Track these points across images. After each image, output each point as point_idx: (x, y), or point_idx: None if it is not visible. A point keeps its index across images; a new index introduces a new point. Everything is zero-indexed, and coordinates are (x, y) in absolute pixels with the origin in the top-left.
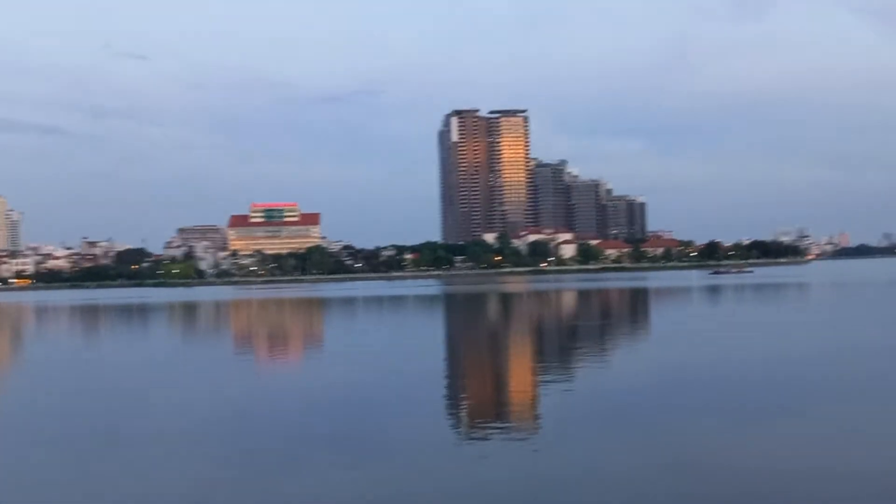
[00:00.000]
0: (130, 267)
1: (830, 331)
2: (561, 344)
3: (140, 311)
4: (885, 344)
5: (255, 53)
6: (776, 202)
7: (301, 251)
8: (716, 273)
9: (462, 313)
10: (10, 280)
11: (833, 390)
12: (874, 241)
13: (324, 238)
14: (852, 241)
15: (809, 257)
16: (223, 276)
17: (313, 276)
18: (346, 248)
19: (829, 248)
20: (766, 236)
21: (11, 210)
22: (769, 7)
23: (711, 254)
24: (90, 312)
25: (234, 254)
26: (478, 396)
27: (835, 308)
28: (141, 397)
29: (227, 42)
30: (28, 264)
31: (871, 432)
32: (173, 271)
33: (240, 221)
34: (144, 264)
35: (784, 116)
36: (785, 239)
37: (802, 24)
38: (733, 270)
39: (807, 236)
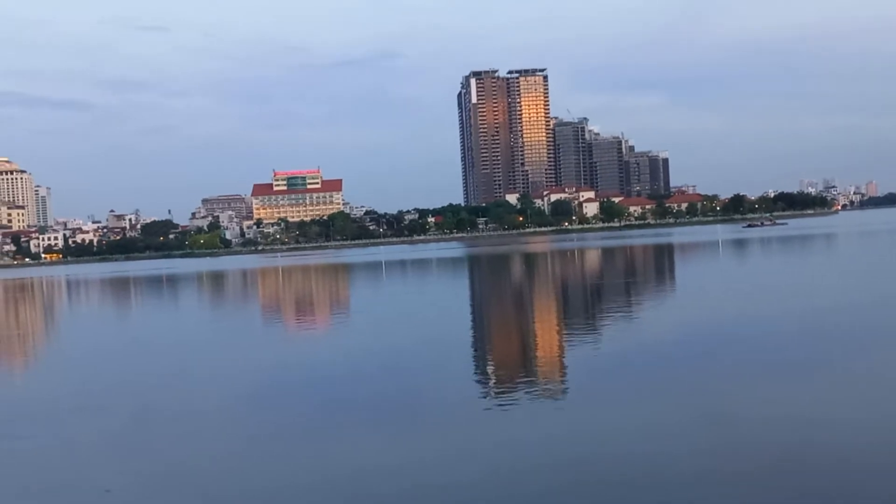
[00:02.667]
0: (157, 238)
1: (867, 280)
2: (586, 303)
3: (169, 282)
4: None
5: (274, 20)
6: (801, 153)
7: (324, 217)
8: (749, 226)
9: (486, 275)
10: (41, 255)
11: (873, 341)
12: None
13: (346, 204)
14: (880, 191)
15: (836, 208)
16: (248, 244)
17: (337, 242)
18: (368, 213)
19: (856, 198)
20: (791, 188)
21: (39, 186)
22: None
23: (737, 207)
24: (121, 285)
25: (259, 222)
26: (505, 357)
27: (870, 257)
28: (178, 370)
29: (246, 10)
30: (57, 239)
31: None
32: (199, 242)
33: (263, 190)
34: (171, 235)
35: (808, 64)
36: (811, 190)
37: None
38: (767, 223)
39: (833, 187)
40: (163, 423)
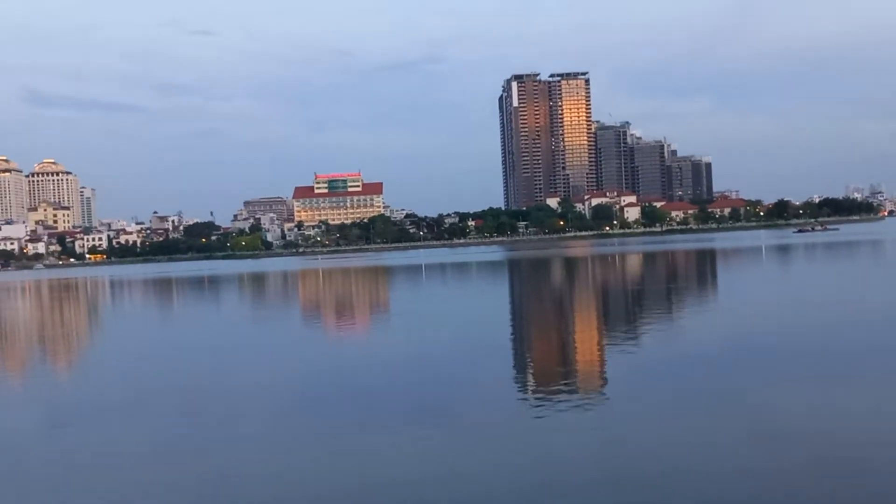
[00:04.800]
0: (200, 240)
1: None
2: (627, 308)
3: (211, 284)
4: None
5: (318, 24)
6: (847, 158)
7: (364, 220)
8: (800, 231)
9: (526, 279)
10: (86, 255)
11: None
12: None
13: (387, 207)
14: None
15: (883, 214)
16: (289, 246)
17: (377, 245)
18: (408, 216)
19: None
20: (836, 193)
21: (84, 187)
22: None
23: (781, 213)
24: (163, 285)
25: (300, 225)
26: (545, 364)
27: None
28: (220, 373)
29: (291, 14)
30: (102, 240)
31: None
32: (241, 243)
33: (304, 193)
34: (213, 237)
35: (852, 70)
36: (857, 196)
37: None
38: (818, 228)
39: (880, 192)
40: (203, 427)
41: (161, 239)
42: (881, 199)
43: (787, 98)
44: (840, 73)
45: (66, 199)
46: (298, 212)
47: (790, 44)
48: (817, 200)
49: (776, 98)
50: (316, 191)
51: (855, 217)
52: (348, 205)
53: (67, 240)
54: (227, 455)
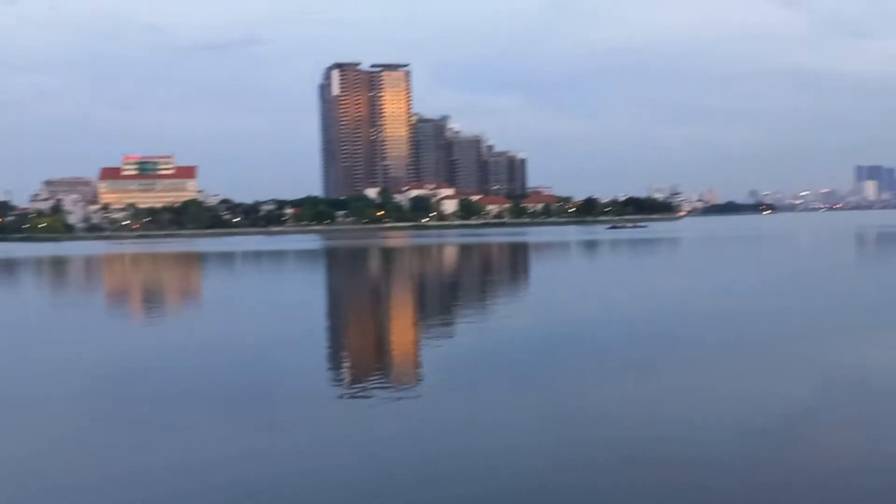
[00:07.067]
0: None
1: (714, 282)
2: (443, 299)
3: (6, 267)
4: (759, 301)
5: None
6: (650, 159)
7: (177, 205)
8: (613, 227)
9: (343, 268)
10: None
11: (716, 342)
12: (740, 198)
13: (201, 192)
14: (721, 198)
15: (681, 214)
16: (94, 230)
17: (189, 231)
18: (224, 202)
19: (699, 204)
20: (640, 192)
21: None
22: None
23: (589, 210)
24: None
25: (106, 207)
26: (361, 352)
27: (715, 261)
28: (15, 359)
29: None
30: None
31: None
32: (40, 225)
33: (111, 174)
34: (9, 218)
35: (656, 76)
36: (658, 195)
37: None
38: (629, 225)
39: (679, 193)
40: None
41: None
42: (679, 199)
43: (596, 100)
44: (645, 79)
45: None
46: (104, 194)
47: (601, 47)
48: (622, 199)
49: (586, 99)
50: (124, 172)
51: (656, 216)
52: (159, 188)
53: None
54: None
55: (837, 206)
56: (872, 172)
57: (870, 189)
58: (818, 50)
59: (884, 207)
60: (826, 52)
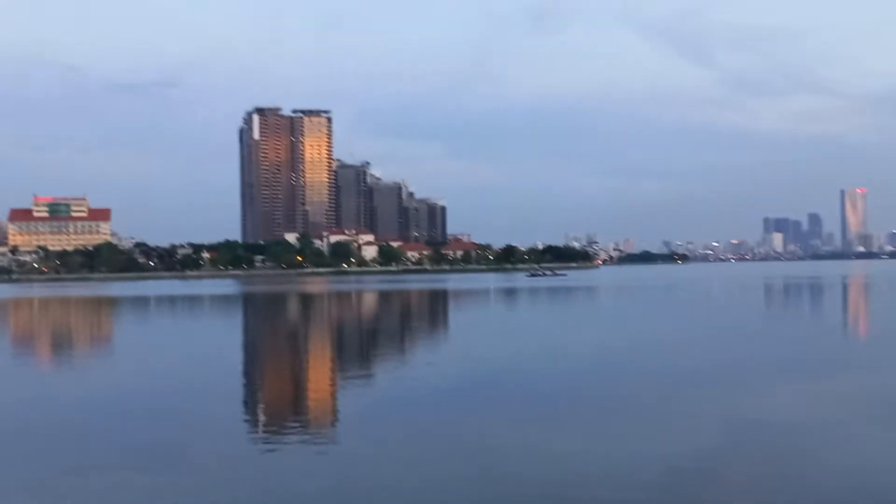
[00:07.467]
0: None
1: (630, 326)
2: (361, 345)
3: None
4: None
5: (43, 34)
6: (567, 207)
7: (89, 248)
8: (532, 275)
9: (260, 314)
10: None
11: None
12: (655, 248)
13: (115, 235)
14: (636, 248)
15: (598, 262)
16: (1, 273)
17: (102, 275)
18: (138, 245)
19: (615, 253)
20: (558, 241)
21: None
22: (565, 23)
23: (508, 257)
24: None
25: (15, 250)
26: (275, 401)
27: (624, 307)
28: None
29: (10, 21)
30: None
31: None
32: None
33: (21, 216)
34: None
35: (575, 126)
36: (576, 244)
37: (594, 41)
38: (548, 273)
39: (595, 242)
40: None
41: None
42: (596, 248)
43: (514, 150)
44: (562, 132)
45: None
46: (13, 235)
47: (519, 101)
48: (541, 247)
49: (505, 149)
50: (35, 214)
51: (573, 264)
52: (71, 230)
53: None
54: None
55: (747, 256)
56: (779, 225)
57: (777, 241)
58: (727, 107)
59: (790, 259)
60: (734, 110)
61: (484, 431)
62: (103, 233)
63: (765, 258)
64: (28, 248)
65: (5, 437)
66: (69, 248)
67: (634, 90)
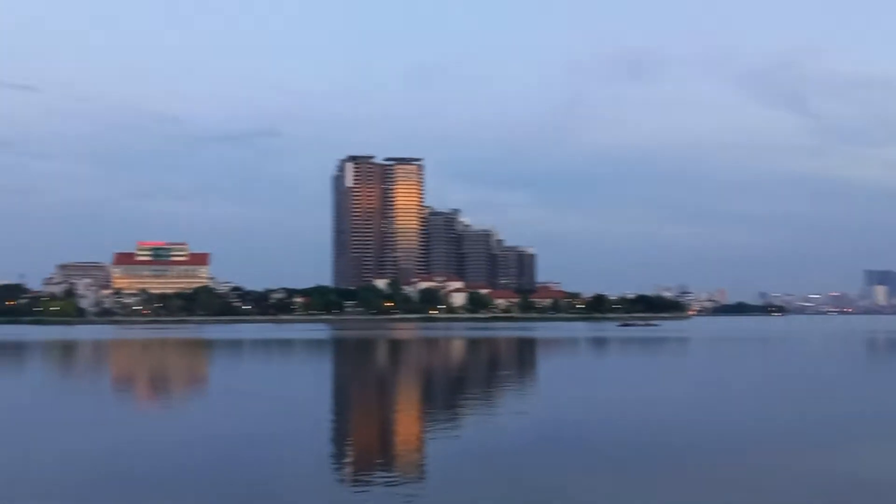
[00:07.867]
0: (5, 303)
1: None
2: (450, 393)
3: (13, 350)
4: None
5: (148, 87)
6: (658, 257)
7: (188, 291)
8: (624, 325)
9: (351, 359)
10: None
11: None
12: (750, 298)
13: (212, 279)
14: (730, 299)
15: (691, 313)
16: (105, 314)
17: (199, 318)
18: (234, 289)
19: (708, 304)
20: (648, 290)
21: None
22: (659, 71)
23: (598, 306)
24: None
25: (118, 292)
26: (364, 449)
27: (730, 363)
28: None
29: (118, 75)
30: None
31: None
32: (51, 308)
33: (125, 259)
34: (22, 300)
35: (666, 174)
36: (667, 294)
37: (687, 89)
38: (640, 323)
39: (688, 292)
40: None
41: None
42: (688, 298)
43: (604, 199)
44: (653, 181)
45: None
46: (117, 279)
47: (609, 148)
48: (631, 296)
49: (594, 198)
50: (138, 258)
51: (665, 315)
52: (172, 274)
53: None
54: None
55: (848, 310)
56: (882, 277)
57: (880, 294)
58: (823, 156)
59: (894, 313)
60: (831, 159)
61: (570, 485)
62: (202, 277)
63: (867, 312)
64: (131, 291)
65: (104, 480)
66: (169, 292)
67: (726, 138)
